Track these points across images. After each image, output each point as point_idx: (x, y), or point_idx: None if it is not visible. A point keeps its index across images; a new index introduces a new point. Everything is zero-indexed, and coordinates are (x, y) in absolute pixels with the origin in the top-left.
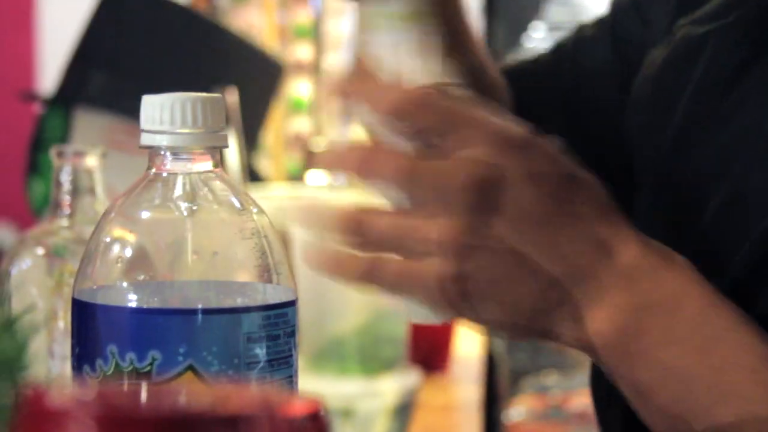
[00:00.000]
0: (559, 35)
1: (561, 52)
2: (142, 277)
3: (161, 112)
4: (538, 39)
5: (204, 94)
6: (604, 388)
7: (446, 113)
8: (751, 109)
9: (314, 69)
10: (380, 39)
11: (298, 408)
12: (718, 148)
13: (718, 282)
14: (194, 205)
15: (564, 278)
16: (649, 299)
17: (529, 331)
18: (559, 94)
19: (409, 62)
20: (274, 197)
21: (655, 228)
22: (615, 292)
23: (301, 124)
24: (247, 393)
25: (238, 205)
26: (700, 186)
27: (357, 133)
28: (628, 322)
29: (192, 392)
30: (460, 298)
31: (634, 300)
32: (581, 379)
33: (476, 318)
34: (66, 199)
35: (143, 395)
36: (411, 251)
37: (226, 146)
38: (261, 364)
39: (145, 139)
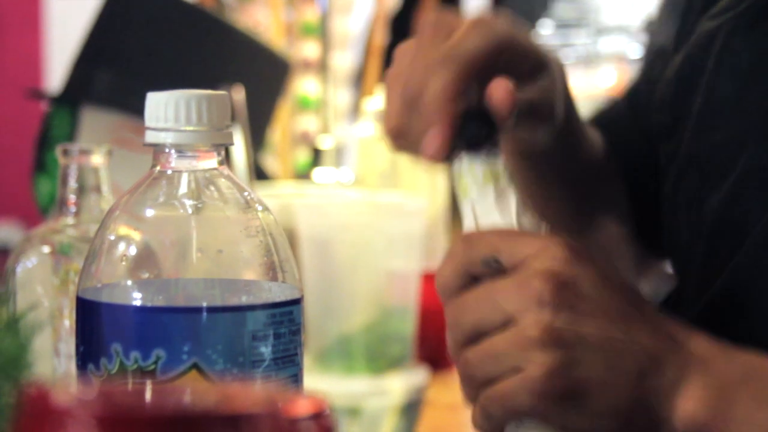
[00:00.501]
0: (567, 32)
1: (634, 95)
2: (146, 276)
3: (166, 110)
4: (545, 36)
5: (209, 92)
6: None
7: (509, 239)
8: (763, 86)
9: (321, 67)
10: (474, 197)
11: (302, 407)
12: (735, 126)
13: (738, 254)
14: (199, 203)
15: (649, 368)
16: (730, 375)
17: (632, 426)
18: (639, 136)
19: (501, 217)
20: (281, 195)
21: (679, 214)
22: (697, 375)
23: (308, 122)
24: (251, 392)
25: (243, 202)
26: (719, 163)
27: (363, 130)
28: (718, 399)
29: (196, 391)
30: (565, 393)
31: (716, 378)
32: None
33: (581, 421)
34: (72, 197)
35: (146, 394)
36: (507, 368)
37: (231, 144)
38: (266, 363)
39: (150, 137)
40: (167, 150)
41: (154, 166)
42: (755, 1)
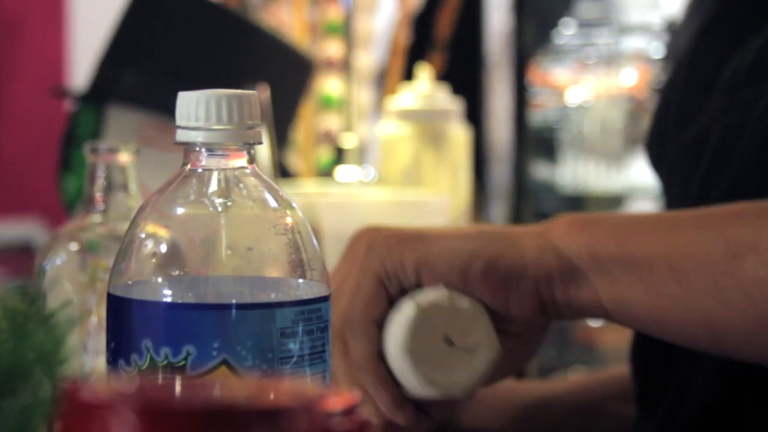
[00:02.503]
0: (589, 32)
1: None
2: (176, 273)
3: (197, 109)
4: (568, 35)
5: (239, 91)
6: (645, 369)
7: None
8: (721, 88)
9: (345, 66)
10: None
11: (337, 401)
12: (701, 125)
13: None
14: (229, 201)
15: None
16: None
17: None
18: None
19: None
20: (304, 193)
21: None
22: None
23: (331, 121)
24: (286, 387)
25: (272, 201)
26: (690, 160)
27: (386, 129)
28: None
29: (233, 386)
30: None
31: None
32: None
33: None
34: (99, 195)
35: (184, 389)
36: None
37: (261, 142)
38: (295, 359)
39: (181, 136)
40: (198, 149)
41: (184, 164)
42: (710, 17)
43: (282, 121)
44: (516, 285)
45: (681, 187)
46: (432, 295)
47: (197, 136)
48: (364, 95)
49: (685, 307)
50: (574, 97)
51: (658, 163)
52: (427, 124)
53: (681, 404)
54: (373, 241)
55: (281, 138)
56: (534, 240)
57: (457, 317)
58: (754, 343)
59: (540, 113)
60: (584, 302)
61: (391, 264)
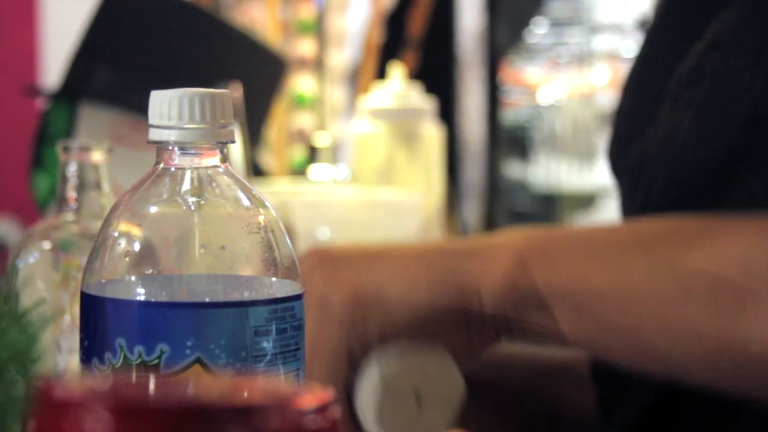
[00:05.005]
0: (561, 31)
1: None
2: (150, 271)
3: (170, 107)
4: (539, 35)
5: (212, 90)
6: (603, 372)
7: None
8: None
9: (317, 64)
10: None
11: (310, 399)
12: (656, 125)
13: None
14: (202, 200)
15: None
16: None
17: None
18: None
19: None
20: (277, 192)
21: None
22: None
23: (304, 120)
24: (259, 385)
25: (245, 199)
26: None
27: (359, 128)
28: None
29: (204, 384)
30: (364, 302)
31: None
32: None
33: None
34: (72, 193)
35: (156, 387)
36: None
37: (233, 141)
38: (268, 358)
39: (153, 134)
40: (170, 147)
41: (157, 163)
42: (657, 23)
43: (255, 119)
44: (476, 328)
45: (627, 196)
46: (396, 357)
47: (170, 135)
48: (337, 94)
49: (637, 345)
50: (546, 95)
51: (616, 169)
52: (400, 122)
53: (638, 407)
54: (330, 305)
55: (254, 137)
56: (489, 278)
57: (423, 370)
58: (710, 374)
59: (512, 112)
60: (540, 333)
61: (356, 338)
